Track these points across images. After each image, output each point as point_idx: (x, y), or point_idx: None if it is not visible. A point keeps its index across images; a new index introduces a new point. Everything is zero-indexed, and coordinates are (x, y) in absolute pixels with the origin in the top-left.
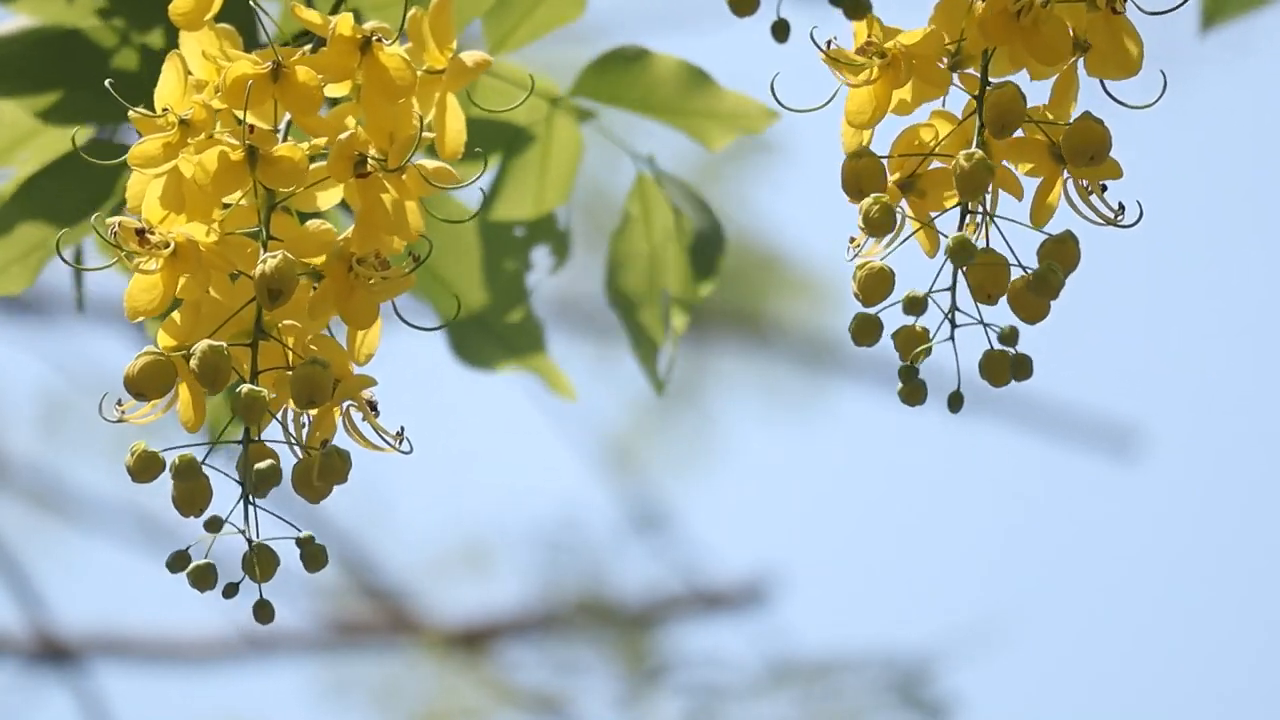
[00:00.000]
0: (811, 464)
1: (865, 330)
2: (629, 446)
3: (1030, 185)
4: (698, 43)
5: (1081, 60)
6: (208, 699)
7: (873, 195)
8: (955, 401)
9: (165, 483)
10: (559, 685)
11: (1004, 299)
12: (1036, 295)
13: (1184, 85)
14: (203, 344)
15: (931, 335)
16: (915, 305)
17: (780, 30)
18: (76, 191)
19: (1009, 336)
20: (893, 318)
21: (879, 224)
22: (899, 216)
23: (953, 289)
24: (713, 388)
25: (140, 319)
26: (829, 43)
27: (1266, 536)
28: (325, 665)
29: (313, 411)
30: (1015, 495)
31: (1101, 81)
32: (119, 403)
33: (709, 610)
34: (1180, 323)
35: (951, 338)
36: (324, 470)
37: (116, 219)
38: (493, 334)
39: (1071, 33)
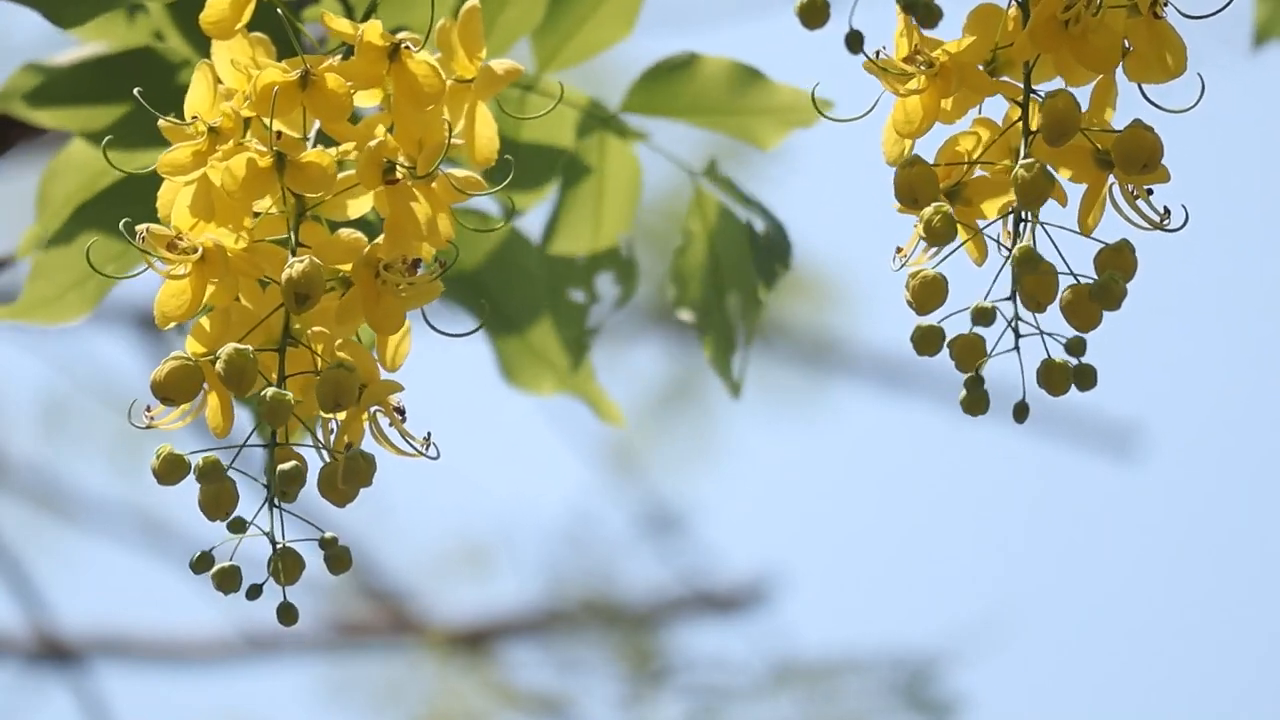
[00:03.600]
0: (814, 464)
1: (928, 341)
2: (631, 446)
3: (1074, 191)
4: (697, 42)
5: (1120, 65)
6: (208, 699)
7: (934, 205)
8: (1021, 412)
9: (171, 486)
10: (561, 686)
11: (1051, 306)
12: (1099, 304)
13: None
14: (228, 347)
15: (990, 344)
16: (983, 316)
17: (854, 41)
18: (131, 215)
19: (1076, 347)
20: (911, 320)
21: (941, 233)
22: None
23: (1014, 298)
24: (714, 387)
25: (170, 325)
26: (877, 52)
27: (1267, 536)
28: (327, 666)
29: (340, 417)
30: (1017, 495)
31: (1140, 86)
32: (147, 408)
33: (711, 611)
34: (1181, 323)
35: (1016, 347)
36: (348, 473)
37: (145, 225)
38: (541, 357)
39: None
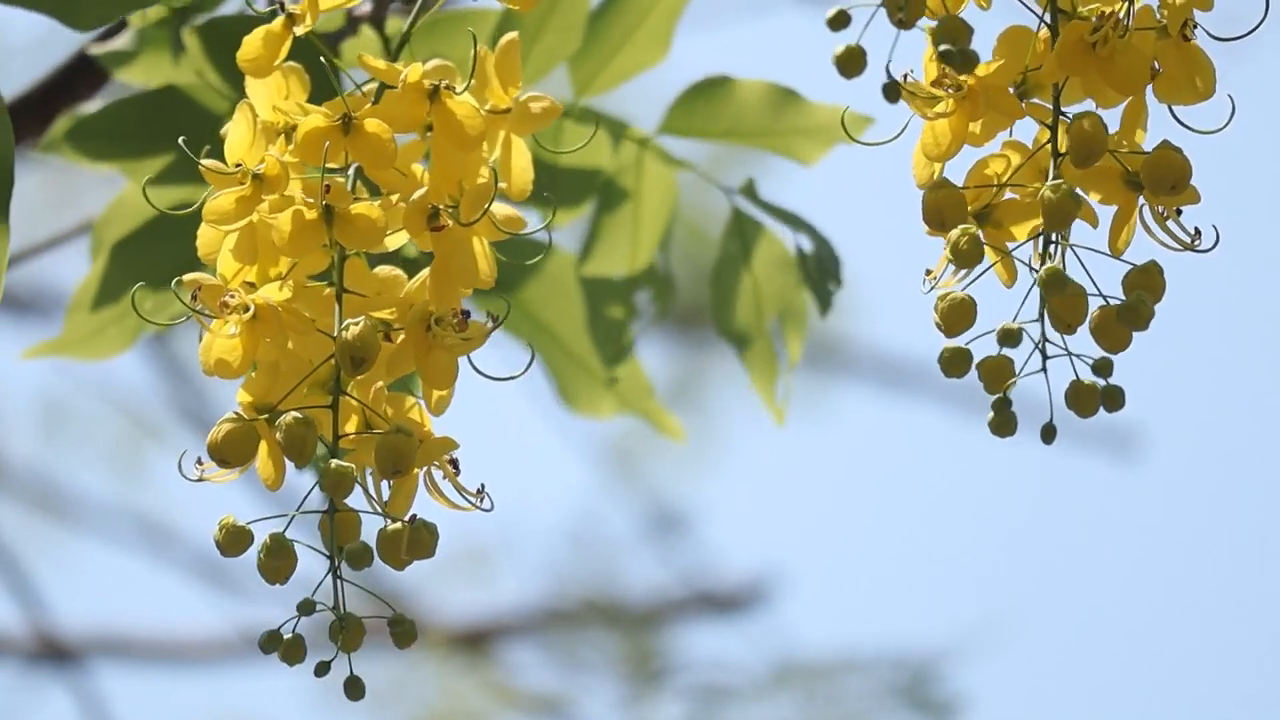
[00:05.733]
0: (814, 464)
1: (955, 362)
2: (631, 447)
3: (1104, 213)
4: (703, 43)
5: (1150, 86)
6: (207, 699)
7: (960, 227)
8: (1049, 433)
9: (161, 486)
10: (562, 686)
11: (1079, 327)
12: (1126, 325)
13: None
14: (288, 417)
15: (1018, 366)
16: (1009, 337)
17: (892, 92)
18: (170, 252)
19: (1103, 368)
20: (920, 328)
21: (968, 256)
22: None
23: (1041, 319)
24: (714, 388)
25: (216, 376)
26: (905, 76)
27: (1267, 537)
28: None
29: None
30: (1018, 496)
31: (1170, 107)
32: (198, 460)
33: (712, 611)
34: (1181, 324)
35: (1043, 369)
36: (412, 544)
37: (196, 280)
38: (598, 380)
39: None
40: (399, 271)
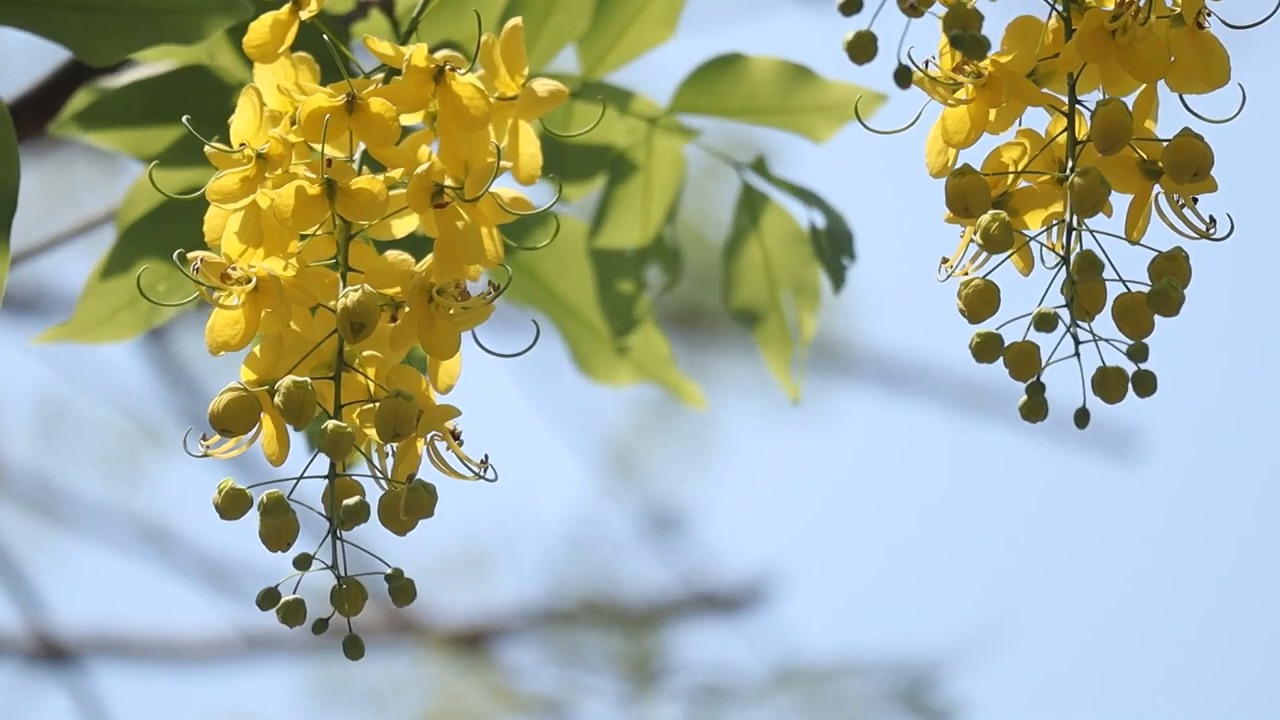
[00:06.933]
0: (814, 465)
1: (986, 348)
2: (631, 448)
3: (1120, 200)
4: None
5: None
6: (205, 699)
7: (990, 212)
8: (1082, 418)
9: (159, 487)
10: (561, 687)
11: (1097, 314)
12: (1157, 311)
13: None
14: (287, 380)
15: (1046, 353)
16: (1045, 322)
17: (903, 77)
18: (183, 233)
19: (1138, 352)
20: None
21: (999, 241)
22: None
23: (1071, 305)
24: (714, 389)
25: (223, 353)
26: (926, 63)
27: (1267, 538)
28: (326, 666)
29: (397, 443)
30: (1017, 498)
31: (1181, 95)
32: (203, 437)
33: (711, 612)
34: (1180, 324)
35: (1076, 354)
36: (410, 504)
37: (199, 255)
38: (616, 348)
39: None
40: (405, 255)
